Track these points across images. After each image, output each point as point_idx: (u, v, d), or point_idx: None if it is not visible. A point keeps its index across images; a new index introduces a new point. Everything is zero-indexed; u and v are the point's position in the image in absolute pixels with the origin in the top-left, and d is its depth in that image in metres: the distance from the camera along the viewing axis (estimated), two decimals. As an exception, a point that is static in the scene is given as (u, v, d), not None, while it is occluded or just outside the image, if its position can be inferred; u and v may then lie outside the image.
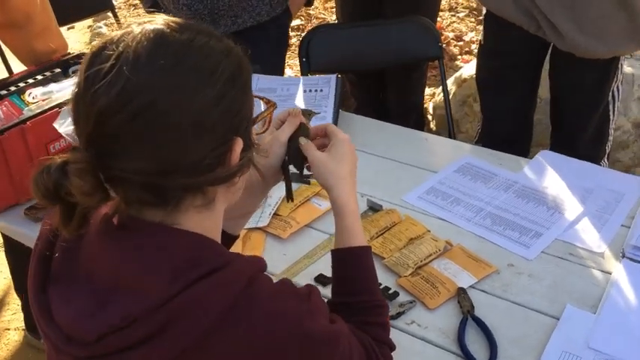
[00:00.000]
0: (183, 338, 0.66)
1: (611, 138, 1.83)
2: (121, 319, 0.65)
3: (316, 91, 1.70)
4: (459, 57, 3.74)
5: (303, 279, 1.18)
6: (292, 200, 1.03)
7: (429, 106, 3.16)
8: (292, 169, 0.99)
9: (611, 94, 1.73)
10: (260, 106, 0.88)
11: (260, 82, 1.75)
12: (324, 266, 1.21)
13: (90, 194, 0.66)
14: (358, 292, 0.90)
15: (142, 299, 0.65)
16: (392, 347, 0.91)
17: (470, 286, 1.15)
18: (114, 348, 0.66)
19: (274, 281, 0.76)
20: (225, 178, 0.72)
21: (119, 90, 0.65)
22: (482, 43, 1.89)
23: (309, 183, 1.03)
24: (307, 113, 1.04)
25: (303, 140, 0.95)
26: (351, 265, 0.91)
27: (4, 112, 1.35)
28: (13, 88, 1.43)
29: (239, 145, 0.72)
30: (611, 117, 1.77)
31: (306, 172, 0.99)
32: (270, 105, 0.87)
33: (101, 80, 0.65)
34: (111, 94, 0.65)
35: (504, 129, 1.88)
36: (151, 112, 0.65)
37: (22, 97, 1.41)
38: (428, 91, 3.34)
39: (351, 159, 0.95)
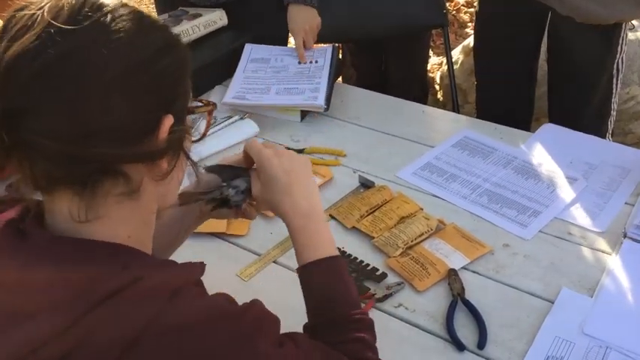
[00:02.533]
0: None
1: (614, 113, 1.74)
2: (18, 347, 0.56)
3: (311, 62, 1.64)
4: (469, 24, 3.63)
5: (290, 259, 1.14)
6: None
7: (437, 75, 3.07)
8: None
9: (615, 66, 1.64)
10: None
11: (253, 53, 1.69)
12: (312, 245, 1.17)
13: None
14: (321, 310, 0.80)
15: (37, 329, 0.57)
16: None
17: (462, 267, 1.10)
18: None
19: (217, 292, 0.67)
20: (149, 154, 0.63)
21: (37, 35, 0.57)
22: (477, 10, 1.81)
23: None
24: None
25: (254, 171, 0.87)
26: (309, 283, 0.81)
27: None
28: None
29: (169, 121, 0.63)
30: (614, 91, 1.68)
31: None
32: (210, 104, 0.78)
33: (16, 27, 0.58)
34: (25, 39, 0.57)
35: (501, 102, 1.81)
36: (71, 62, 0.57)
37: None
38: (436, 60, 3.24)
39: (282, 175, 0.83)
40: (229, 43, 1.73)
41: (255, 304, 0.69)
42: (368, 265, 1.12)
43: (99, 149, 0.59)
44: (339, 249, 1.14)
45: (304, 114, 1.55)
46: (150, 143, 0.63)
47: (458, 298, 1.04)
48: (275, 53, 1.69)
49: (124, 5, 0.63)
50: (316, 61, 1.63)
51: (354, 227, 1.20)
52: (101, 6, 0.61)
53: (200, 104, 0.76)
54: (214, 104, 0.78)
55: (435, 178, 1.32)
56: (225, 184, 0.87)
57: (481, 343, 0.97)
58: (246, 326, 0.65)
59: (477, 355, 0.96)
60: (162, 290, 0.60)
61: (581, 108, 1.68)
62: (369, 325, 0.81)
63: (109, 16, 0.61)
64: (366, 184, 1.31)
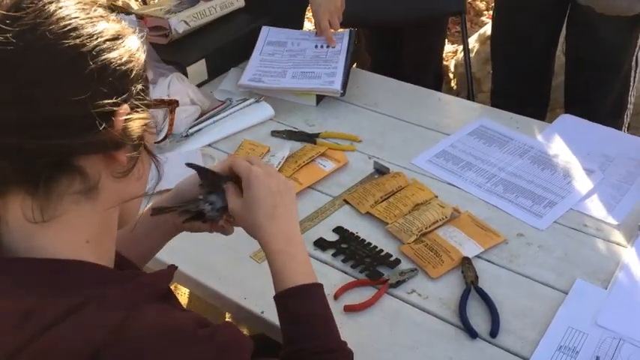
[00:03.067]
0: None
1: (630, 106, 1.72)
2: None
3: (328, 46, 1.63)
4: (485, 12, 3.60)
5: (305, 242, 1.14)
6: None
7: (451, 63, 3.05)
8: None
9: (634, 58, 1.62)
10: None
11: (270, 35, 1.69)
12: (326, 229, 1.17)
13: None
14: (297, 339, 0.77)
15: None
16: None
17: (476, 256, 1.10)
18: None
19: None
20: (104, 144, 0.60)
21: None
22: None
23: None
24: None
25: (230, 184, 0.85)
26: (285, 310, 0.79)
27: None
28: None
29: (124, 110, 0.61)
30: (632, 84, 1.66)
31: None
32: (173, 102, 0.75)
33: None
34: None
35: (517, 91, 1.79)
36: (13, 50, 0.56)
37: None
38: (450, 48, 3.22)
39: (268, 196, 0.81)
40: (246, 25, 1.73)
41: (228, 328, 0.66)
42: (382, 250, 1.12)
43: (49, 140, 0.57)
44: (352, 233, 1.16)
45: (320, 98, 1.55)
46: (105, 133, 0.60)
47: (471, 286, 1.04)
48: (292, 37, 1.68)
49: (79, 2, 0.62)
50: (333, 46, 1.62)
51: (368, 213, 1.20)
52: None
53: (162, 100, 0.73)
54: (176, 102, 0.75)
55: (450, 166, 1.32)
56: (201, 197, 0.86)
57: (493, 331, 0.97)
58: (209, 352, 0.61)
59: (489, 343, 0.96)
60: (118, 308, 0.57)
61: (598, 100, 1.66)
62: (348, 357, 0.79)
63: (53, 5, 0.59)
64: (380, 171, 1.31)
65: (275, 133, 1.44)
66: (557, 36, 1.75)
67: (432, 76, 2.29)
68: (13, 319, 0.55)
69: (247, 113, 1.49)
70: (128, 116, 0.62)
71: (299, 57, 1.60)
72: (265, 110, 1.49)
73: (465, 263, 1.07)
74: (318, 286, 0.81)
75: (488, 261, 1.10)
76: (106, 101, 0.59)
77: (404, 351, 0.95)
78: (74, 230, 0.62)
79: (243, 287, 1.06)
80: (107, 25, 0.62)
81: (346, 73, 1.53)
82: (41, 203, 0.59)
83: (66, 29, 0.58)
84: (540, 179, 1.27)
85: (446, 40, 2.64)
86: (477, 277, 1.05)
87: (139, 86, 0.64)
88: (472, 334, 0.97)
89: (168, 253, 0.96)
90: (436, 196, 1.23)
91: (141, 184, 0.69)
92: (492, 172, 1.29)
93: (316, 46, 1.64)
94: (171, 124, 0.75)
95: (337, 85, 1.49)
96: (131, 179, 0.65)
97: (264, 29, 1.70)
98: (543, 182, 1.26)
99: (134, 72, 0.64)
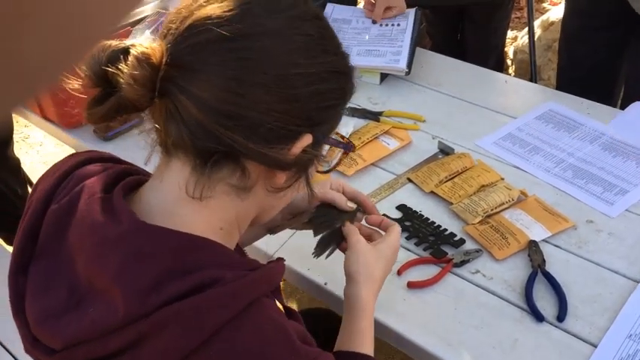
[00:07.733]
0: None
1: None
2: (88, 330, 0.56)
3: (393, 25, 1.61)
4: (547, -1, 3.49)
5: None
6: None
7: (510, 50, 2.98)
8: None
9: None
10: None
11: (335, 13, 1.68)
12: (389, 207, 1.17)
13: (138, 83, 0.56)
14: None
15: (111, 311, 0.56)
16: None
17: (542, 240, 1.08)
18: (81, 358, 0.57)
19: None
20: (275, 161, 0.61)
21: (232, 6, 0.58)
22: None
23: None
24: (358, 210, 0.94)
25: (348, 223, 0.88)
26: None
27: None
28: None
29: (307, 139, 0.62)
30: None
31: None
32: (349, 145, 0.76)
33: None
34: (220, 4, 0.58)
35: (585, 78, 1.71)
36: (250, 43, 0.58)
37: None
38: (510, 34, 3.14)
39: (390, 263, 0.86)
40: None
41: (327, 357, 0.66)
42: (446, 229, 1.11)
43: (234, 134, 0.58)
44: (416, 212, 1.15)
45: (383, 77, 1.54)
46: (281, 152, 0.61)
47: (538, 270, 1.02)
48: (357, 15, 1.67)
49: (318, 17, 0.63)
50: (398, 24, 1.60)
51: (432, 192, 1.19)
52: (297, 4, 0.61)
53: (340, 140, 0.75)
54: (353, 145, 0.77)
55: (516, 149, 1.29)
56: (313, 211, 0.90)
57: (561, 316, 0.95)
58: None
59: (556, 327, 0.94)
60: (237, 299, 0.57)
61: None
62: None
63: (301, 21, 0.61)
64: (445, 151, 1.30)
65: (338, 110, 1.44)
66: (624, 48, 1.65)
67: (492, 62, 2.24)
68: (140, 288, 0.56)
69: (311, 89, 1.49)
70: (307, 147, 0.63)
71: (364, 35, 1.59)
72: (329, 86, 1.49)
73: (532, 246, 1.06)
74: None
75: (556, 246, 1.08)
76: (297, 125, 0.61)
77: (468, 329, 0.95)
78: (214, 214, 0.63)
79: (307, 259, 1.07)
80: (335, 58, 0.64)
81: (411, 52, 1.52)
82: (199, 179, 0.61)
83: (300, 47, 0.60)
84: (611, 166, 1.23)
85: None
86: (544, 261, 1.03)
87: (330, 124, 0.66)
88: (538, 317, 0.95)
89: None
90: (502, 179, 1.21)
91: (284, 200, 0.71)
92: (561, 157, 1.26)
93: (381, 25, 1.62)
94: (338, 163, 0.79)
95: (403, 64, 1.48)
96: (279, 198, 0.68)
97: (329, 6, 1.69)
98: (615, 169, 1.22)
99: (334, 109, 0.66)
